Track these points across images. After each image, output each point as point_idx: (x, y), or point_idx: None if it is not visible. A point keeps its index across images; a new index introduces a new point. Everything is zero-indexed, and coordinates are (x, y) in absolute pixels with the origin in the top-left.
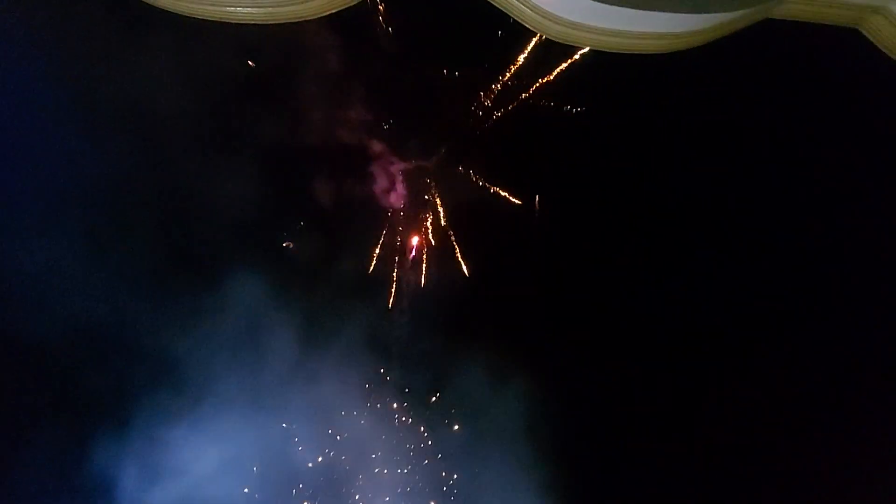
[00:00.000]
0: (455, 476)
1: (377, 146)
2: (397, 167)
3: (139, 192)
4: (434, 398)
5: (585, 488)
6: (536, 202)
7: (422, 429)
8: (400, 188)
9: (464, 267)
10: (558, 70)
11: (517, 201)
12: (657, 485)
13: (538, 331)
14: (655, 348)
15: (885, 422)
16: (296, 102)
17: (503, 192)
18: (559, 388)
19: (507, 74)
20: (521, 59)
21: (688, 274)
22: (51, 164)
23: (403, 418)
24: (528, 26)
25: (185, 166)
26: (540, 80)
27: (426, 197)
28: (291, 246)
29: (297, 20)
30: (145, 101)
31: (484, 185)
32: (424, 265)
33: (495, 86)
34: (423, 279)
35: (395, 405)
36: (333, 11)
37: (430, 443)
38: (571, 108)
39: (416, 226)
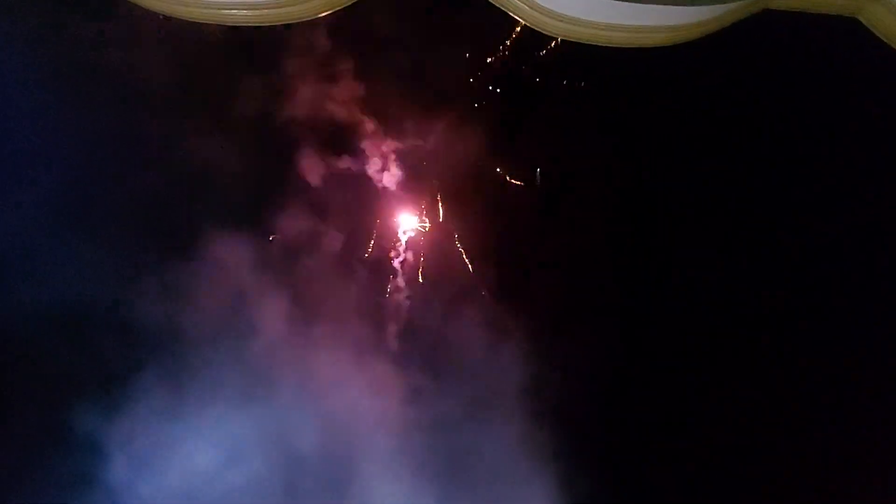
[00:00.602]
0: (455, 446)
1: (370, 125)
2: (391, 147)
3: (118, 169)
4: (435, 374)
5: (587, 459)
6: (537, 178)
7: (419, 401)
8: (395, 169)
9: (461, 248)
10: (553, 45)
11: (516, 181)
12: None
13: (536, 301)
14: (657, 331)
15: (889, 423)
16: (284, 80)
17: (501, 170)
18: (560, 356)
19: (504, 48)
20: (518, 30)
21: (685, 264)
22: (21, 134)
23: (401, 393)
24: (525, 23)
25: (169, 141)
26: (537, 54)
27: (422, 175)
28: (277, 237)
29: (293, 21)
30: (121, 73)
31: (481, 164)
32: (422, 242)
33: (491, 60)
34: (421, 257)
35: (392, 380)
36: (330, 13)
37: (429, 415)
38: (571, 83)
39: (413, 206)
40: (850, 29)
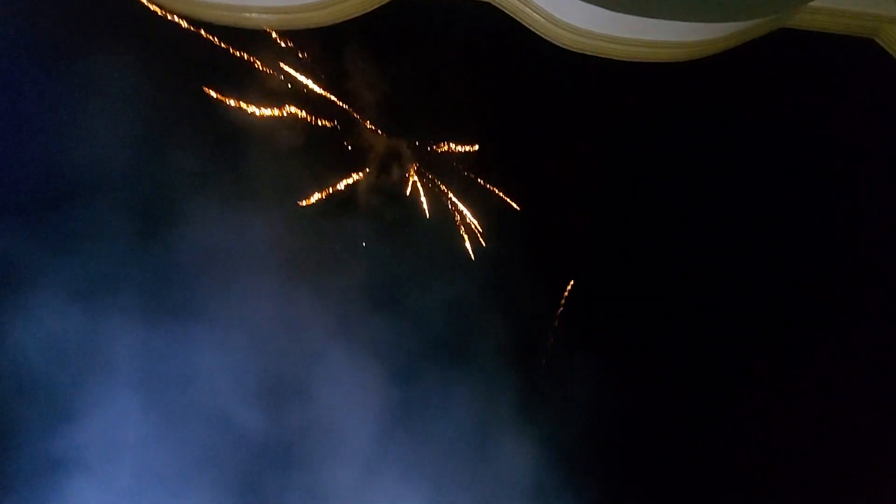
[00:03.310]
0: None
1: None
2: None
3: None
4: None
5: None
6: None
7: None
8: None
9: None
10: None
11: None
12: None
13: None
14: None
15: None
16: None
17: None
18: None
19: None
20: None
21: (696, 285)
22: None
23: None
24: (541, 35)
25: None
26: None
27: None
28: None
29: (312, 27)
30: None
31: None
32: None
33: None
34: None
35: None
36: (348, 19)
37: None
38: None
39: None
40: (867, 49)
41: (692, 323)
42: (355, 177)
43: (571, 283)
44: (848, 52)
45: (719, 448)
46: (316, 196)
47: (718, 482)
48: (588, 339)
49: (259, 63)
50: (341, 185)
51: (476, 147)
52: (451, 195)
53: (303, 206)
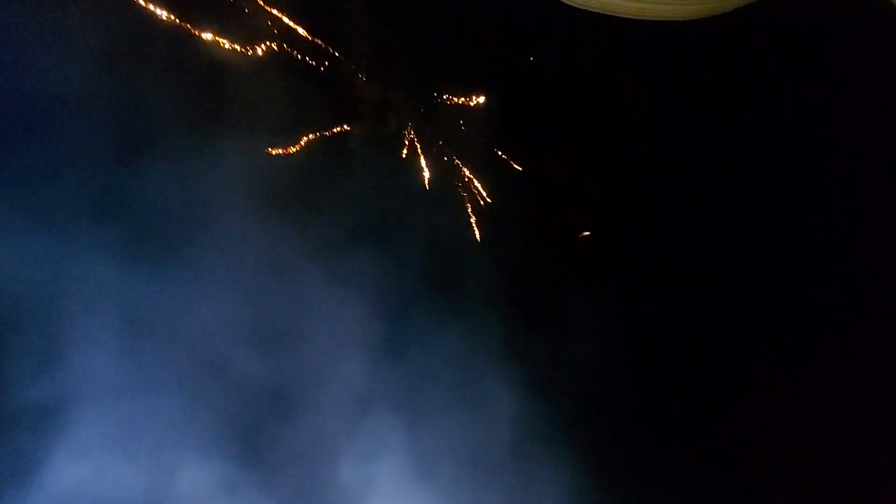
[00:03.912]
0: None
1: None
2: None
3: None
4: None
5: None
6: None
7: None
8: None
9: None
10: None
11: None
12: None
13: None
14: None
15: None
16: None
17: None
18: None
19: None
20: None
21: (700, 263)
22: None
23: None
24: None
25: None
26: None
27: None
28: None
29: None
30: None
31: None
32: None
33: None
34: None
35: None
36: None
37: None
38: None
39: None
40: (880, 10)
41: (690, 279)
42: (348, 127)
43: (586, 234)
44: (861, 12)
45: (717, 445)
46: (303, 142)
47: (713, 476)
48: (583, 303)
49: (245, 4)
50: (332, 133)
51: (477, 101)
52: (447, 149)
53: (293, 153)
